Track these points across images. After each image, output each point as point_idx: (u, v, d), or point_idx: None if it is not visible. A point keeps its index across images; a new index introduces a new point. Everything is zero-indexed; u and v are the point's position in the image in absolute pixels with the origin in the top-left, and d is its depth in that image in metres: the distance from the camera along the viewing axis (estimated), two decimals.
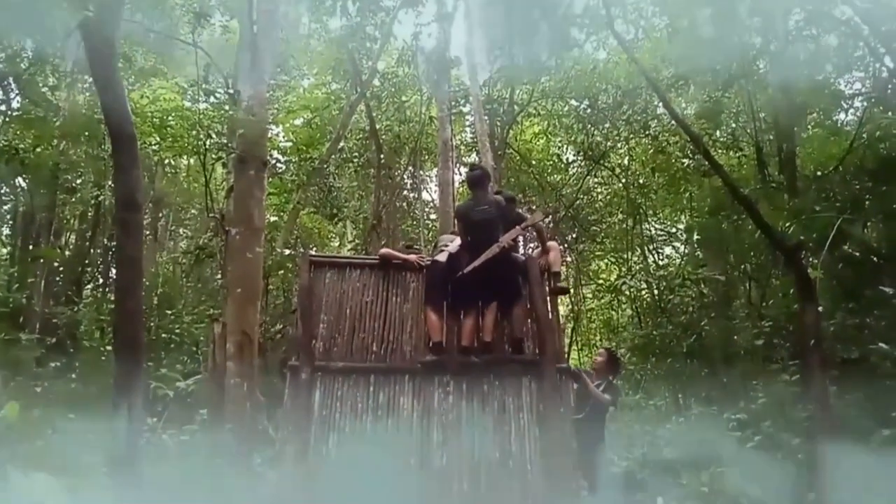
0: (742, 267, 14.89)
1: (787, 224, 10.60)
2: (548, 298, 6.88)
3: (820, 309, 9.10)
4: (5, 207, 15.56)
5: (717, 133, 15.46)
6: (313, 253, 10.98)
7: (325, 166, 16.96)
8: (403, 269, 7.00)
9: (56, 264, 16.00)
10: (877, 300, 9.88)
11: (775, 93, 13.33)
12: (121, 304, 5.73)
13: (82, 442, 8.83)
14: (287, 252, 15.35)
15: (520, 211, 7.58)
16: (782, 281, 12.67)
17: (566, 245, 19.04)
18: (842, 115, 14.46)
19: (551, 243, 7.40)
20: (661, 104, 13.77)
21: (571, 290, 19.85)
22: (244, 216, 9.43)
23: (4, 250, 16.40)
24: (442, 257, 6.70)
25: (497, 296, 6.62)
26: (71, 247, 17.89)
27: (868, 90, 13.43)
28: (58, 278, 16.22)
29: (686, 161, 15.41)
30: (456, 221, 7.15)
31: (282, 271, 15.15)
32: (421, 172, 20.55)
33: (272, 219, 16.01)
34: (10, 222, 15.95)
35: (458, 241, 6.86)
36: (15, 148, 11.76)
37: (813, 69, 13.36)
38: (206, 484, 7.79)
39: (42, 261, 14.71)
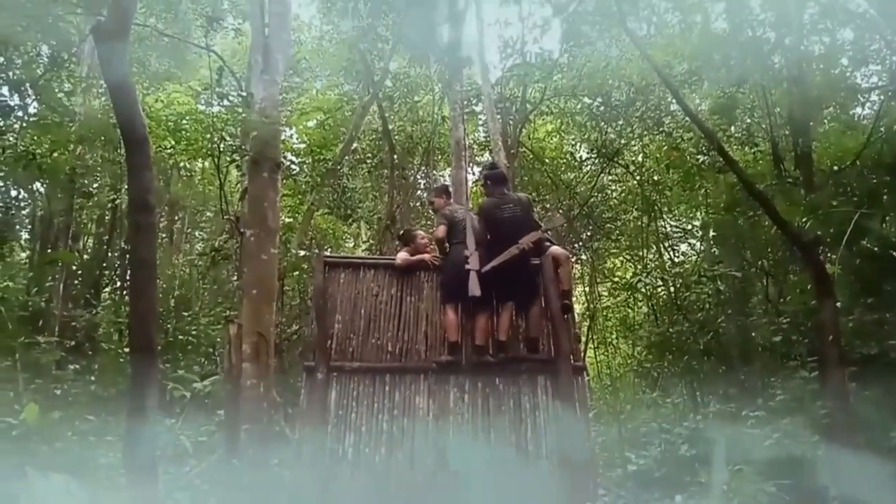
0: (759, 263, 14.77)
1: (804, 219, 10.49)
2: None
3: (838, 305, 9.03)
4: (23, 212, 15.68)
5: (732, 129, 15.32)
6: (328, 254, 10.99)
7: (339, 167, 17.00)
8: (417, 269, 6.99)
9: (74, 268, 16.12)
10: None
11: (790, 87, 13.22)
12: (134, 306, 5.74)
13: (101, 443, 8.93)
14: (302, 253, 15.38)
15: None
16: (799, 277, 12.57)
17: (581, 243, 18.97)
18: (858, 109, 14.39)
19: (562, 252, 7.08)
20: (674, 100, 13.67)
21: (587, 289, 19.84)
22: (259, 218, 9.44)
23: (23, 254, 16.54)
24: (469, 265, 6.54)
25: (514, 296, 6.59)
26: (88, 250, 18.04)
27: (885, 83, 13.29)
28: (76, 282, 16.35)
29: (701, 157, 15.27)
30: (479, 219, 6.91)
31: (297, 272, 15.18)
32: (434, 172, 20.51)
33: (287, 220, 16.04)
34: (29, 227, 16.07)
35: (471, 237, 6.74)
36: (32, 153, 11.84)
37: (828, 63, 13.26)
38: (223, 484, 7.84)
39: (60, 264, 14.81)
